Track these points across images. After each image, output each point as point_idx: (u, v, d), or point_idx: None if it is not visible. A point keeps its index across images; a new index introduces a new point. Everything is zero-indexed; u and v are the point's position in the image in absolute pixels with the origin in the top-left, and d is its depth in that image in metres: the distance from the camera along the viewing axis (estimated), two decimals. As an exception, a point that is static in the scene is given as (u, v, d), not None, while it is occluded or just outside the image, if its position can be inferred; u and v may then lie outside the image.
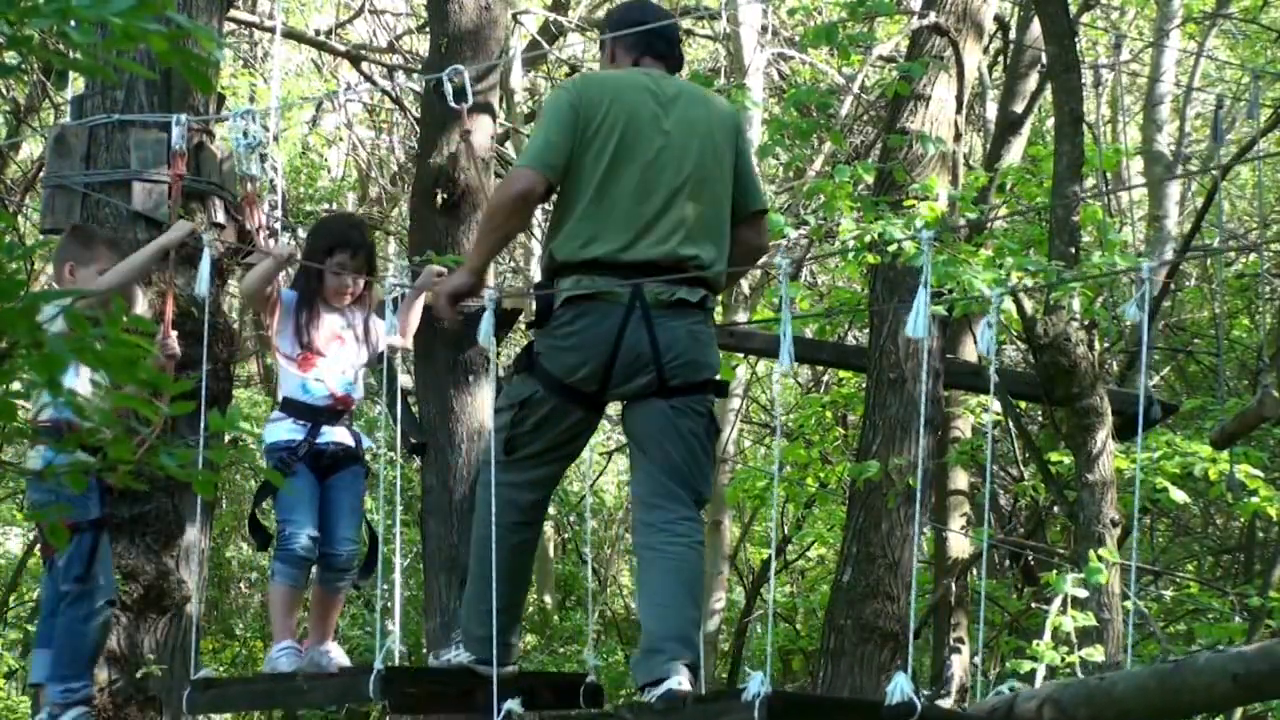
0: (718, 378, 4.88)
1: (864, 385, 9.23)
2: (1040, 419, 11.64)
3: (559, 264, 4.72)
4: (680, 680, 4.47)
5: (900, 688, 4.11)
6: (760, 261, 5.54)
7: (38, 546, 5.55)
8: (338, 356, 5.51)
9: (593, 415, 4.88)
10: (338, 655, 5.49)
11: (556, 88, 5.65)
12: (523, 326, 8.71)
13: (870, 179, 8.72)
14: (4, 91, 12.47)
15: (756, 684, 4.17)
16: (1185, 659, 3.92)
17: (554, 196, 4.82)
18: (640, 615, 4.83)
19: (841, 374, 12.45)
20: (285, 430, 5.42)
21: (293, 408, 5.45)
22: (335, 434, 5.48)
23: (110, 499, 5.53)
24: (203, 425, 5.86)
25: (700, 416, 4.78)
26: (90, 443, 2.77)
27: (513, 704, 4.63)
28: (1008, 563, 12.31)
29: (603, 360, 4.66)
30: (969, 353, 10.18)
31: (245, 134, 6.29)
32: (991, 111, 12.51)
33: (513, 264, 14.11)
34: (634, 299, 4.64)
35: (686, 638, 4.56)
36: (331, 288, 5.54)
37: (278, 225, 7.62)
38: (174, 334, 5.74)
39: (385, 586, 6.21)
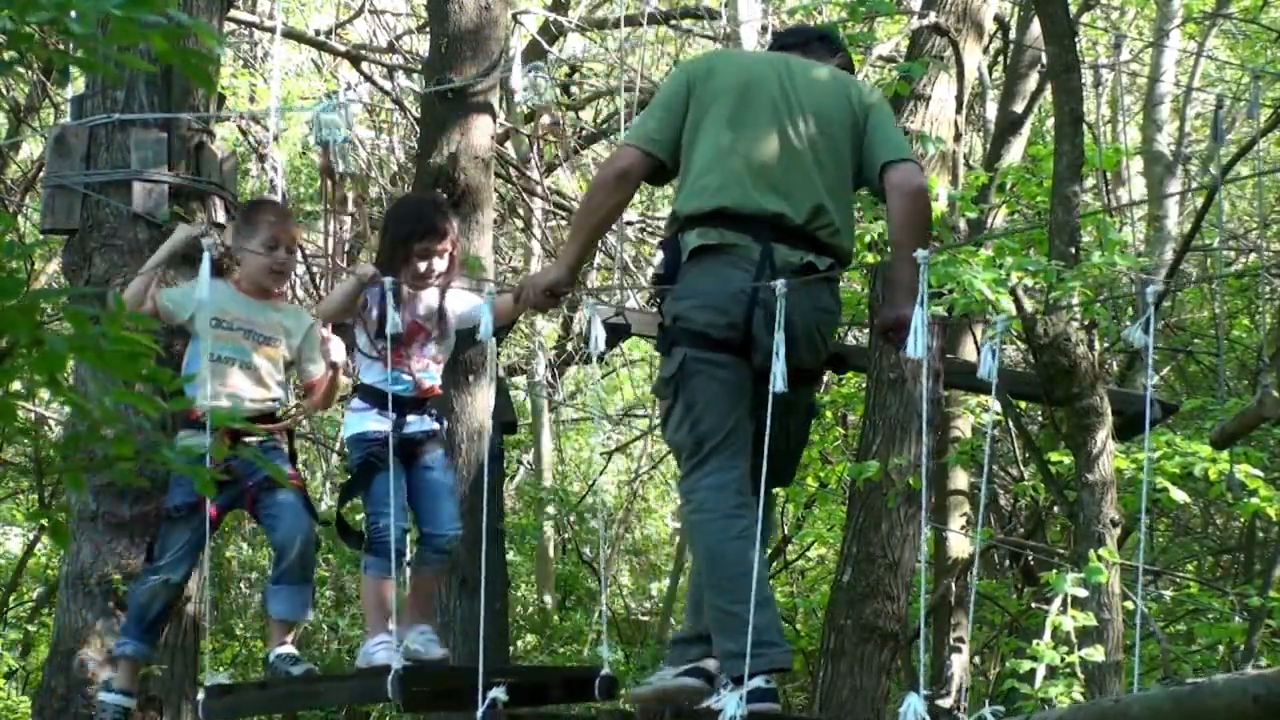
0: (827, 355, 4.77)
1: (864, 385, 9.22)
2: (1040, 419, 11.64)
3: (683, 219, 4.56)
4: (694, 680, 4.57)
5: (914, 708, 3.93)
6: None
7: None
8: (422, 347, 5.40)
9: (748, 371, 4.51)
10: (434, 639, 5.34)
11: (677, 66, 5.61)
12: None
13: (870, 179, 8.71)
14: (4, 91, 12.45)
15: (734, 705, 4.10)
16: (1204, 682, 3.85)
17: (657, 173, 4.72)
18: (687, 602, 4.81)
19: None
20: (372, 420, 5.27)
21: (376, 397, 5.27)
22: (419, 421, 5.37)
23: (223, 491, 5.38)
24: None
25: (806, 409, 4.66)
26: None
27: (497, 692, 4.64)
28: (1008, 563, 12.31)
29: (740, 314, 4.45)
30: (969, 353, 10.18)
31: (327, 127, 6.13)
32: (991, 111, 12.51)
33: (513, 265, 14.10)
34: (764, 259, 4.46)
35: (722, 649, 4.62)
36: (413, 276, 5.34)
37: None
38: (335, 339, 5.60)
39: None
